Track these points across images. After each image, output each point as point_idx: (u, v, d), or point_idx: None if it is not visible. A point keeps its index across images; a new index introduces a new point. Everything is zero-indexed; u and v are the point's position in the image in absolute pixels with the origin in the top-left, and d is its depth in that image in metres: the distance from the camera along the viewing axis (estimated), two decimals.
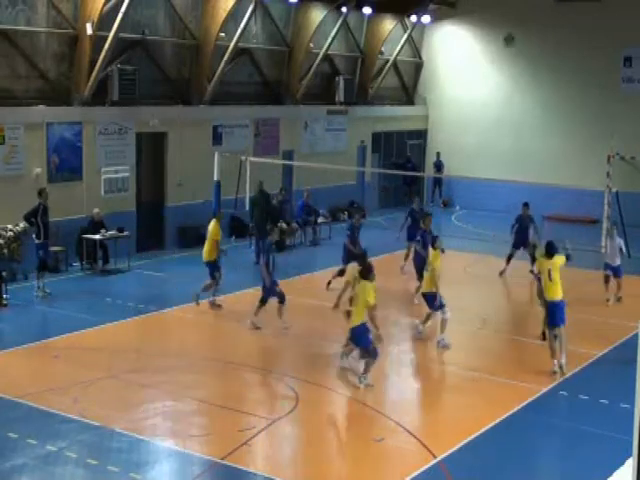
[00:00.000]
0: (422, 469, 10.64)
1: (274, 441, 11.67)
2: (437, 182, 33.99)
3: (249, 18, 25.01)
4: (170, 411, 12.38)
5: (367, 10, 28.99)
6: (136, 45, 22.85)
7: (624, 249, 18.90)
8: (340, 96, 30.02)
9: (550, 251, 14.50)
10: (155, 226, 23.77)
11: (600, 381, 14.23)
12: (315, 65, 28.47)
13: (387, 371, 14.84)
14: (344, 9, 28.23)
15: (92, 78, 21.14)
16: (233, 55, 25.07)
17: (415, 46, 34.18)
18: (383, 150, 32.84)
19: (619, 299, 18.98)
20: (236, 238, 25.31)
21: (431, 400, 13.86)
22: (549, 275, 14.20)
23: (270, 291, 16.49)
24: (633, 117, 30.01)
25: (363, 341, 13.64)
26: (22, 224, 19.27)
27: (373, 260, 16.25)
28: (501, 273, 21.18)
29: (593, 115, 30.83)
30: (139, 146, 23.03)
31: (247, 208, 20.45)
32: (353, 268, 14.34)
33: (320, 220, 26.65)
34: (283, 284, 18.11)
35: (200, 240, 23.76)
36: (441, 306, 15.68)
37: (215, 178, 19.77)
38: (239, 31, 24.78)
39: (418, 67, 34.58)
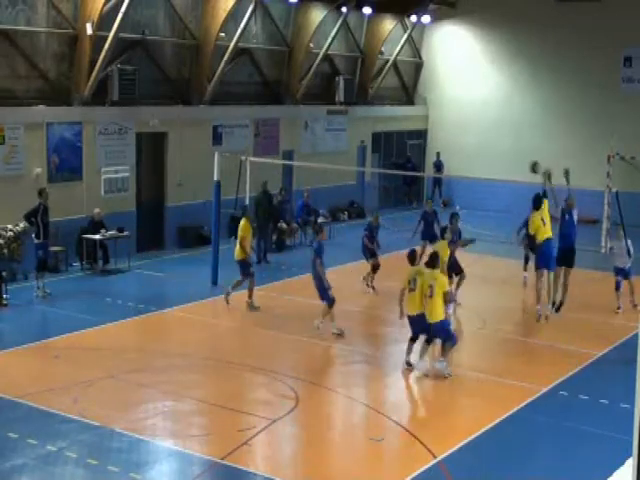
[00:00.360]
0: (422, 469, 10.63)
1: (274, 441, 11.67)
2: (437, 182, 33.97)
3: (249, 18, 25.01)
4: (170, 411, 12.39)
5: (367, 10, 29.00)
6: (136, 45, 22.85)
7: (631, 249, 18.61)
8: (340, 96, 30.02)
9: (537, 203, 16.33)
10: (155, 226, 23.77)
11: (600, 381, 14.23)
12: (315, 65, 28.47)
13: (387, 371, 14.85)
14: (344, 9, 28.23)
15: (92, 78, 21.14)
16: (233, 55, 25.07)
17: (415, 46, 34.18)
18: (383, 150, 32.83)
19: (635, 306, 18.32)
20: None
21: (431, 400, 13.86)
22: (542, 220, 15.70)
23: (326, 293, 16.26)
24: (633, 117, 30.01)
25: (445, 333, 14.03)
26: (22, 224, 19.27)
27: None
28: (524, 278, 20.84)
29: (593, 115, 30.83)
30: (139, 146, 23.03)
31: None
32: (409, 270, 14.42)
33: (320, 220, 26.63)
34: (283, 284, 18.17)
35: (200, 240, 23.91)
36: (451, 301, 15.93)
37: (215, 178, 19.74)
38: (239, 31, 24.78)
39: (418, 67, 34.58)
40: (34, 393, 12.67)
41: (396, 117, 33.32)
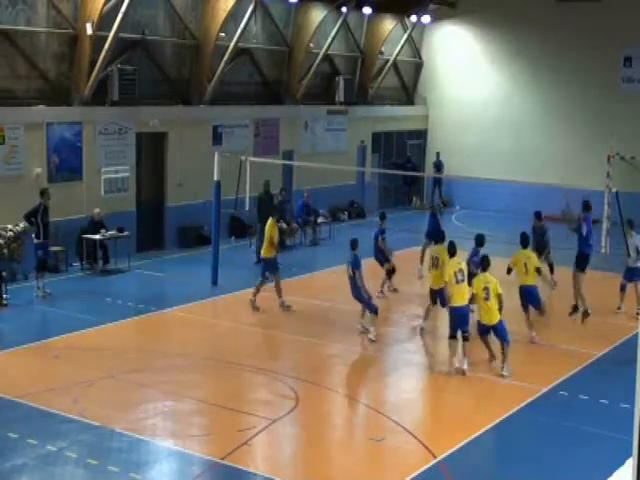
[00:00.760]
0: (422, 469, 10.64)
1: (274, 441, 11.67)
2: (437, 182, 33.95)
3: (249, 18, 25.01)
4: (170, 411, 12.39)
5: (367, 10, 28.99)
6: (136, 45, 22.85)
7: (639, 248, 18.42)
8: (340, 96, 30.01)
9: (525, 243, 16.27)
10: (155, 226, 23.76)
11: (600, 381, 14.23)
12: (315, 65, 28.47)
13: (387, 371, 14.86)
14: (344, 9, 28.22)
15: (92, 78, 21.14)
16: (233, 55, 25.06)
17: (415, 46, 34.18)
18: (383, 150, 32.83)
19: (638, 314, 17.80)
20: (236, 238, 25.32)
21: (431, 400, 13.87)
22: (525, 267, 15.68)
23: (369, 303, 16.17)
24: (633, 117, 30.00)
25: (506, 332, 14.28)
26: (22, 224, 19.27)
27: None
28: (553, 282, 20.74)
29: (593, 115, 30.83)
30: (139, 146, 23.03)
31: (247, 208, 20.46)
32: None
33: (320, 220, 26.65)
34: (283, 284, 18.15)
35: (200, 240, 23.91)
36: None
37: (215, 178, 19.74)
38: (239, 31, 24.78)
39: (418, 67, 34.57)
40: (34, 393, 12.67)
41: (396, 117, 33.32)
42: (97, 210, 21.17)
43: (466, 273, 14.45)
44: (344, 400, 13.36)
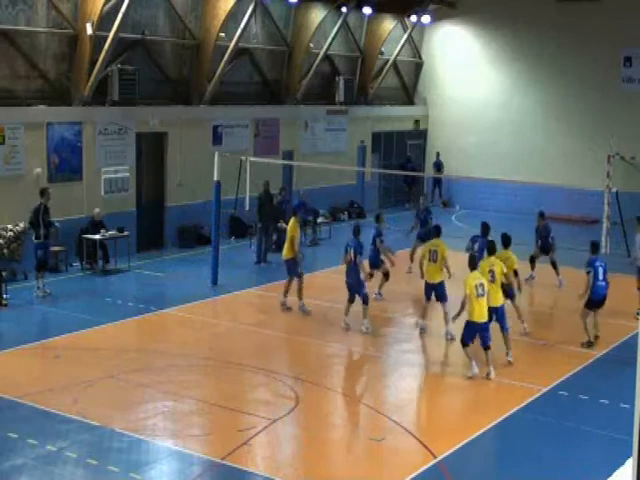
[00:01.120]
0: (422, 469, 10.63)
1: (274, 441, 11.67)
2: (437, 182, 33.98)
3: (249, 18, 25.01)
4: (170, 411, 12.38)
5: (367, 10, 29.00)
6: (136, 45, 22.85)
7: None
8: (340, 96, 30.02)
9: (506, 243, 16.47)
10: (155, 226, 23.76)
11: (600, 381, 14.23)
12: (315, 65, 28.47)
13: (387, 371, 14.85)
14: (344, 9, 28.23)
15: (92, 78, 21.14)
16: (233, 55, 25.07)
17: (415, 46, 34.18)
18: (383, 150, 32.83)
19: None
20: (236, 238, 25.33)
21: (431, 400, 13.86)
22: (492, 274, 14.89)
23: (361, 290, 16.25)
24: (633, 117, 30.00)
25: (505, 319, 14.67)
26: (22, 224, 19.28)
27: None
28: (529, 278, 20.48)
29: (593, 115, 30.83)
30: (139, 146, 23.03)
31: (247, 209, 20.47)
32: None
33: (320, 220, 26.65)
34: (283, 284, 18.13)
35: (200, 240, 23.92)
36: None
37: (215, 178, 19.73)
38: (239, 31, 24.78)
39: (418, 67, 34.57)
40: (34, 393, 12.67)
41: (396, 117, 33.32)
42: (97, 210, 21.17)
43: (486, 288, 14.00)
44: (344, 400, 13.36)
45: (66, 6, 20.84)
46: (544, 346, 16.14)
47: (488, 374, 13.92)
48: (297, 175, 28.16)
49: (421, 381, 14.74)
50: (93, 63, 21.09)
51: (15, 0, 19.79)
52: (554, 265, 20.36)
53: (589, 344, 15.85)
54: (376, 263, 18.70)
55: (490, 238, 16.98)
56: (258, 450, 11.25)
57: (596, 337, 15.89)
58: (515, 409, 12.73)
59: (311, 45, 28.13)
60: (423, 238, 20.63)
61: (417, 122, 34.16)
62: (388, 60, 32.13)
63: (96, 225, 21.02)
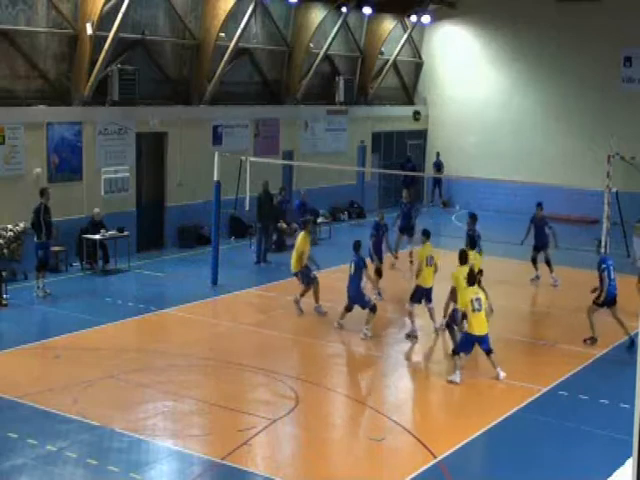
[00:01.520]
0: (422, 469, 10.63)
1: (274, 441, 11.67)
2: (437, 182, 33.98)
3: (249, 18, 25.00)
4: (170, 411, 12.38)
5: (367, 10, 28.99)
6: (136, 45, 22.85)
7: None
8: (340, 96, 30.01)
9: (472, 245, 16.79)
10: (155, 226, 23.76)
11: (600, 381, 14.23)
12: (315, 65, 28.46)
13: (387, 371, 14.85)
14: (344, 9, 28.22)
15: (92, 78, 21.14)
16: (233, 55, 25.06)
17: (415, 46, 34.17)
18: (383, 150, 32.82)
19: None
20: (236, 238, 25.32)
21: (431, 400, 13.86)
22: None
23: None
24: (633, 117, 30.00)
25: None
26: (22, 224, 19.28)
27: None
28: (535, 278, 20.71)
29: (593, 115, 30.83)
30: (139, 146, 23.03)
31: (247, 209, 20.48)
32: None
33: (320, 220, 26.65)
34: (283, 284, 18.16)
35: (200, 240, 23.92)
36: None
37: (215, 178, 19.73)
38: (239, 31, 24.78)
39: (418, 67, 34.57)
40: (34, 393, 12.67)
41: (396, 117, 33.31)
42: (97, 210, 21.17)
43: (484, 303, 13.95)
44: (344, 400, 13.36)
45: (66, 6, 20.84)
46: (544, 346, 16.14)
47: (497, 376, 13.91)
48: (297, 175, 28.16)
49: (421, 381, 14.73)
50: (93, 63, 21.09)
51: (15, 0, 19.79)
52: (548, 263, 20.44)
53: (593, 341, 15.89)
54: (379, 255, 18.86)
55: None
56: (258, 450, 11.25)
57: (628, 335, 15.79)
58: (515, 409, 12.73)
59: (311, 45, 28.13)
60: (402, 231, 20.91)
61: (417, 114, 34.02)
62: (388, 60, 32.13)
63: (96, 225, 21.01)
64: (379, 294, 18.65)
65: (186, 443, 11.25)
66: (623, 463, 8.85)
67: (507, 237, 23.20)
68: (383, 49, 31.60)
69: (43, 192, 18.54)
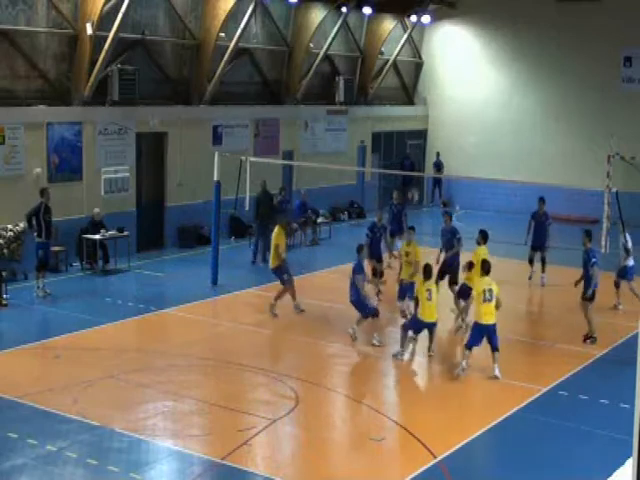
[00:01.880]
0: (422, 469, 10.63)
1: (274, 441, 11.67)
2: (437, 182, 33.99)
3: (249, 18, 25.00)
4: (170, 411, 12.38)
5: (367, 10, 28.99)
6: (136, 45, 22.85)
7: (628, 245, 18.43)
8: (340, 96, 30.01)
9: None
10: (155, 226, 23.76)
11: (600, 381, 14.23)
12: (315, 65, 28.46)
13: (387, 371, 14.85)
14: (344, 9, 28.22)
15: (92, 78, 21.14)
16: (233, 55, 25.06)
17: (415, 46, 34.18)
18: (383, 150, 32.83)
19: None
20: (236, 238, 25.32)
21: (431, 400, 13.85)
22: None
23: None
24: (633, 117, 30.00)
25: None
26: (22, 224, 19.28)
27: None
28: (530, 277, 20.73)
29: (593, 115, 30.83)
30: (139, 146, 23.03)
31: (247, 209, 20.49)
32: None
33: (320, 220, 26.65)
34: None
35: (200, 240, 23.92)
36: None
37: (215, 178, 19.73)
38: (239, 31, 24.78)
39: (418, 67, 34.57)
40: (34, 393, 12.67)
41: (396, 117, 33.32)
42: (97, 210, 21.17)
43: (495, 294, 14.13)
44: (344, 400, 13.36)
45: (66, 6, 20.84)
46: (544, 346, 16.14)
47: (493, 371, 13.98)
48: (297, 175, 28.16)
49: (421, 381, 14.74)
50: (93, 63, 21.09)
51: (15, 0, 19.79)
52: (543, 262, 20.54)
53: (593, 340, 15.95)
54: (376, 256, 18.84)
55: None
56: (258, 450, 11.25)
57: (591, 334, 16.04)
58: (515, 409, 12.73)
59: (311, 45, 28.13)
60: (393, 235, 20.86)
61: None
62: (388, 60, 32.13)
63: (96, 225, 21.01)
64: (378, 293, 18.64)
65: (186, 443, 11.25)
66: (623, 463, 8.87)
67: (507, 237, 23.19)
68: (383, 49, 31.60)
69: (43, 192, 18.55)
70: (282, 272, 17.59)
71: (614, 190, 21.24)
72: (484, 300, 13.95)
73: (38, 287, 18.40)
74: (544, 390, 13.57)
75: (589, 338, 16.02)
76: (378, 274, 18.87)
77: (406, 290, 16.88)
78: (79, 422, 11.71)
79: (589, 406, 13.05)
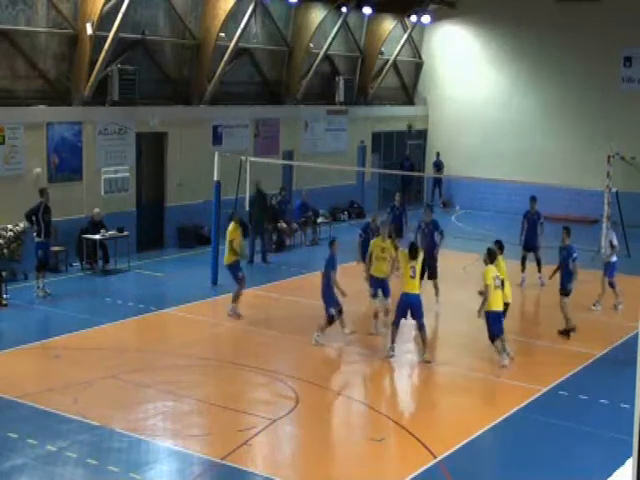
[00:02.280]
0: (422, 469, 10.64)
1: (274, 441, 11.67)
2: (437, 182, 33.99)
3: (249, 18, 25.00)
4: (170, 411, 12.39)
5: (367, 10, 28.99)
6: (136, 45, 22.85)
7: (613, 242, 18.46)
8: (340, 96, 30.02)
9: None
10: (155, 226, 23.76)
11: (600, 381, 14.23)
12: (315, 65, 28.46)
13: (387, 371, 14.85)
14: (344, 9, 28.22)
15: (92, 78, 21.14)
16: (233, 55, 25.06)
17: (415, 46, 34.18)
18: (383, 150, 32.82)
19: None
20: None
21: (431, 400, 13.85)
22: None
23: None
24: (633, 117, 30.00)
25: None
26: (22, 224, 19.28)
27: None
28: (520, 283, 20.62)
29: (593, 115, 30.83)
30: (139, 146, 23.03)
31: (247, 209, 20.49)
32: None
33: (320, 220, 26.65)
34: (284, 284, 18.15)
35: (200, 240, 23.91)
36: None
37: (215, 178, 19.73)
38: (239, 31, 24.77)
39: (418, 67, 34.57)
40: (34, 393, 12.68)
41: (396, 117, 33.31)
42: (97, 210, 21.17)
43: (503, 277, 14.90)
44: (344, 400, 13.36)
45: (66, 6, 20.84)
46: (544, 346, 16.14)
47: (500, 361, 14.43)
48: (297, 175, 28.16)
49: (421, 381, 14.74)
50: (93, 63, 21.09)
51: (15, 0, 19.79)
52: (538, 262, 20.56)
53: (571, 331, 16.11)
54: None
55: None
56: (258, 450, 11.26)
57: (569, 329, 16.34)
58: (515, 409, 12.73)
59: (311, 45, 28.13)
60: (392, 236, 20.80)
61: (410, 126, 34.01)
62: (388, 60, 32.13)
63: (96, 225, 21.01)
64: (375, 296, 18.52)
65: (186, 443, 11.25)
66: (623, 463, 8.85)
67: (507, 237, 23.10)
68: (383, 49, 31.60)
69: (43, 192, 18.55)
70: (237, 269, 17.40)
71: (614, 190, 21.26)
72: (495, 287, 14.55)
73: (38, 287, 18.40)
74: (544, 390, 13.57)
75: (566, 332, 16.14)
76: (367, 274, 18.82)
77: (378, 286, 16.70)
78: (79, 422, 11.71)
79: (589, 406, 13.05)
